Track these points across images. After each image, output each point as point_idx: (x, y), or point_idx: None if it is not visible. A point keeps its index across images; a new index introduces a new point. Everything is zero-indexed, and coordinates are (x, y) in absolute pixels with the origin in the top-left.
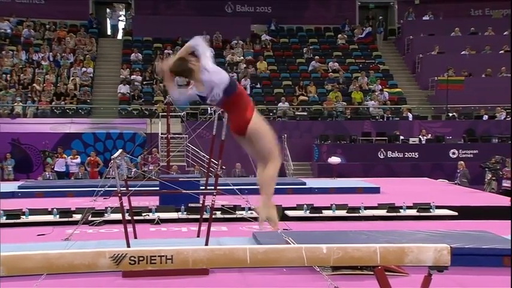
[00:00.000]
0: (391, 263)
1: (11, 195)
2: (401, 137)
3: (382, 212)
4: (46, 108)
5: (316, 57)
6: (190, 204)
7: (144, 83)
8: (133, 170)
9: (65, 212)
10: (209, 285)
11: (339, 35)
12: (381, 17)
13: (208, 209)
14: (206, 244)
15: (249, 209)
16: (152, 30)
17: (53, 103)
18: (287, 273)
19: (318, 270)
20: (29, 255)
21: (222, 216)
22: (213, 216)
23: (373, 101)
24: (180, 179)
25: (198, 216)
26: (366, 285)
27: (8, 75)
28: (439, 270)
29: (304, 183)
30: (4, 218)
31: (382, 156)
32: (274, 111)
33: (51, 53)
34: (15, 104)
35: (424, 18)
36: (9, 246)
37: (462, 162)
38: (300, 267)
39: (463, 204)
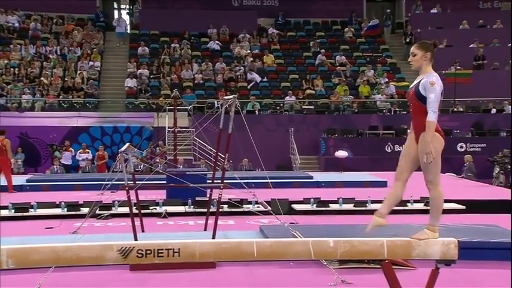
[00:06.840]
0: (398, 256)
1: (20, 188)
2: (409, 131)
3: None
4: (54, 102)
5: (323, 50)
6: (197, 198)
7: (151, 76)
8: (141, 164)
9: (73, 206)
10: (216, 278)
11: (346, 29)
12: (388, 10)
13: (215, 202)
14: (213, 238)
15: (256, 202)
16: (159, 24)
17: (61, 97)
18: (294, 266)
19: (325, 263)
20: (37, 248)
21: (229, 210)
22: (220, 210)
23: (380, 95)
24: (187, 173)
25: (205, 210)
26: (373, 279)
27: (16, 69)
28: (446, 264)
29: (311, 177)
30: (13, 211)
31: (389, 150)
32: (281, 104)
33: (58, 47)
34: (23, 97)
35: (432, 11)
36: (17, 239)
37: (469, 156)
38: (307, 260)
39: (471, 198)
